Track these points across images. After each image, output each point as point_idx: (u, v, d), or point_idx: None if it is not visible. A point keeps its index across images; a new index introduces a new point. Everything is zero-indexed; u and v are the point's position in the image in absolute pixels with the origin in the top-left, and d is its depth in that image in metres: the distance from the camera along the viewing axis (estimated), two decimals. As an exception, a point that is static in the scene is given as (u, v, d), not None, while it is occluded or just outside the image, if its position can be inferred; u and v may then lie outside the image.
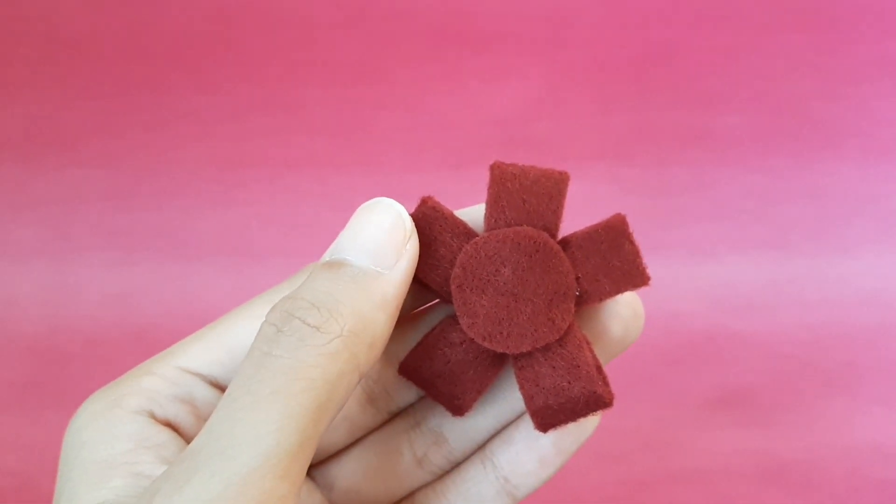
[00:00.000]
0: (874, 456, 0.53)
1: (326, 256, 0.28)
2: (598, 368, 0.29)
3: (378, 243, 0.27)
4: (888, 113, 0.68)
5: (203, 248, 0.66)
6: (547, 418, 0.29)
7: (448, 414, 0.31)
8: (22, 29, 0.67)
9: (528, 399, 0.29)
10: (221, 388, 0.29)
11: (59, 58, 0.67)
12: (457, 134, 0.66)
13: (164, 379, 0.28)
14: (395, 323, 0.27)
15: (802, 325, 0.63)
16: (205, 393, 0.28)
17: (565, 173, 0.30)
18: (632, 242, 0.29)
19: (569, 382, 0.28)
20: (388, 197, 0.29)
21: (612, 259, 0.29)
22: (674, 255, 0.65)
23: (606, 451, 0.53)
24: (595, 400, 0.29)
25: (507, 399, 0.31)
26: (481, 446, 0.32)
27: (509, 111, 0.67)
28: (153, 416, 0.28)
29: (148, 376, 0.28)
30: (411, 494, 0.32)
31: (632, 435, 0.55)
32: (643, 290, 0.31)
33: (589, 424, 0.31)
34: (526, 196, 0.29)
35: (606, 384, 0.29)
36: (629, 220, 0.29)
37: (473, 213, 0.30)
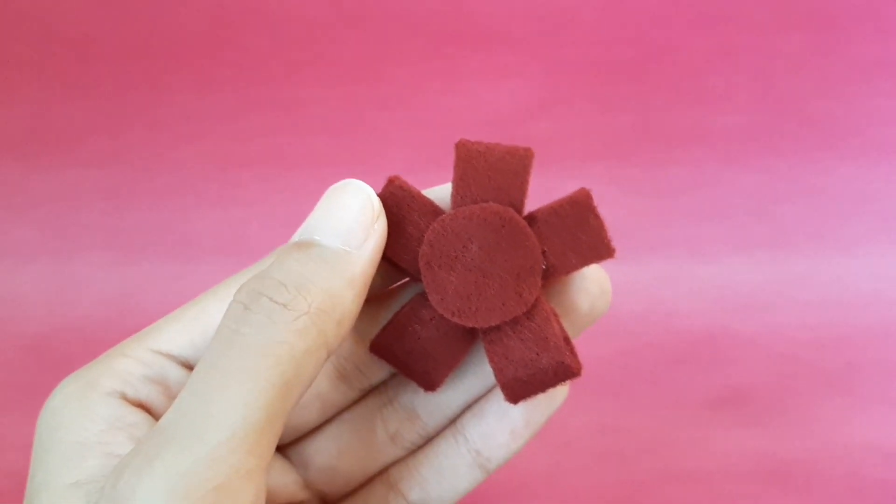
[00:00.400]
0: (874, 456, 0.53)
1: (296, 237, 0.28)
2: (566, 340, 0.30)
3: (347, 223, 0.28)
4: (888, 113, 0.68)
5: (203, 248, 0.66)
6: (517, 390, 0.29)
7: (420, 390, 0.31)
8: (22, 29, 0.67)
9: (498, 372, 0.29)
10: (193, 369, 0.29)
11: (59, 58, 0.67)
12: (457, 134, 0.65)
13: (136, 360, 0.28)
14: (363, 301, 0.28)
15: (802, 325, 0.63)
16: (177, 374, 0.29)
17: (529, 149, 0.30)
18: (597, 216, 0.29)
19: (537, 354, 0.29)
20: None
21: (578, 233, 0.29)
22: (674, 255, 0.65)
23: (606, 451, 0.53)
24: (563, 370, 0.29)
25: (478, 374, 0.32)
26: (453, 421, 0.32)
27: (509, 111, 0.67)
28: (126, 398, 0.28)
29: (121, 358, 0.29)
30: (385, 470, 0.33)
31: (632, 435, 0.55)
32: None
33: (558, 396, 0.31)
34: (492, 173, 0.29)
35: (574, 355, 0.30)
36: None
37: (441, 192, 0.30)
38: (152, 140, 0.68)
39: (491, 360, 0.29)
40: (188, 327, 0.29)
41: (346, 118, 0.67)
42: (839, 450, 0.54)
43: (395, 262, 0.29)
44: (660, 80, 0.67)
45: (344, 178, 0.29)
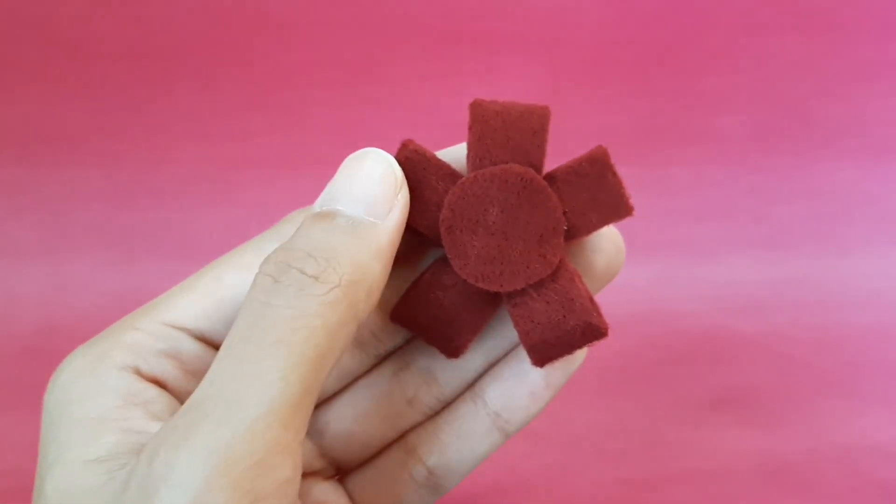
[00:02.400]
0: (874, 456, 0.53)
1: (317, 206, 0.28)
2: (591, 300, 0.29)
3: (370, 193, 0.27)
4: (888, 113, 0.68)
5: (203, 248, 0.66)
6: (543, 353, 0.29)
7: (436, 354, 0.31)
8: (22, 29, 0.67)
9: (524, 335, 0.29)
10: (208, 342, 0.29)
11: (59, 58, 0.67)
12: (457, 134, 0.66)
13: (148, 334, 0.28)
14: (389, 272, 0.27)
15: (802, 325, 0.63)
16: (191, 347, 0.28)
17: (546, 107, 0.30)
18: (615, 174, 0.29)
19: (564, 316, 0.28)
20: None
21: (597, 192, 0.29)
22: (674, 255, 0.65)
23: (606, 451, 0.53)
24: (591, 330, 0.29)
25: (496, 336, 0.31)
26: (471, 385, 0.32)
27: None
28: (139, 372, 0.27)
29: (132, 331, 0.28)
30: (403, 435, 0.32)
31: (632, 435, 0.55)
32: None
33: (577, 358, 0.31)
34: (510, 133, 0.29)
35: (600, 315, 0.29)
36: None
37: (455, 153, 0.30)
38: (152, 140, 0.67)
39: (516, 324, 0.29)
40: (201, 298, 0.28)
41: (345, 118, 0.67)
42: (839, 450, 0.54)
43: (413, 228, 0.29)
44: (660, 80, 0.67)
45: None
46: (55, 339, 0.63)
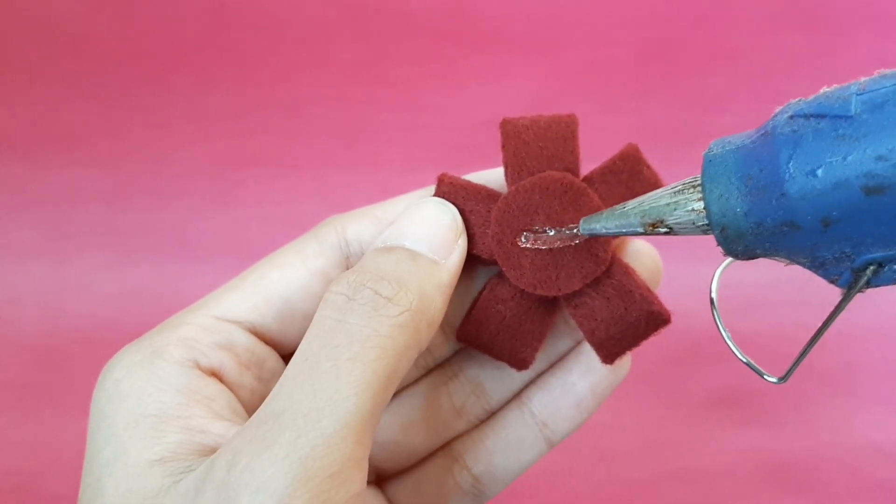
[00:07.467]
0: (874, 456, 0.53)
1: (380, 243, 0.28)
2: (648, 289, 0.30)
3: (434, 235, 0.28)
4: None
5: (203, 248, 0.66)
6: (611, 348, 0.30)
7: (486, 363, 0.31)
8: (22, 29, 0.67)
9: (590, 334, 0.29)
10: (259, 335, 0.29)
11: (59, 58, 0.67)
12: (457, 134, 0.66)
13: (201, 328, 0.28)
14: (446, 309, 0.28)
15: (802, 325, 0.63)
16: (244, 339, 0.29)
17: (573, 115, 0.31)
18: (649, 167, 0.30)
19: (625, 309, 0.29)
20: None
21: (635, 186, 0.30)
22: (674, 255, 0.65)
23: (606, 451, 0.53)
24: (654, 319, 0.29)
25: (544, 348, 0.32)
26: (517, 395, 0.32)
27: (509, 111, 0.67)
28: (198, 366, 0.27)
29: (185, 326, 0.28)
30: (449, 443, 0.33)
31: (632, 435, 0.55)
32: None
33: (621, 370, 0.32)
34: (543, 143, 0.30)
35: (660, 302, 0.30)
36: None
37: (486, 177, 0.31)
38: (152, 140, 0.67)
39: (580, 325, 0.29)
40: (249, 294, 0.29)
41: (346, 118, 0.67)
42: (839, 450, 0.54)
43: (468, 254, 0.29)
44: (660, 80, 0.67)
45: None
46: (56, 340, 0.63)
